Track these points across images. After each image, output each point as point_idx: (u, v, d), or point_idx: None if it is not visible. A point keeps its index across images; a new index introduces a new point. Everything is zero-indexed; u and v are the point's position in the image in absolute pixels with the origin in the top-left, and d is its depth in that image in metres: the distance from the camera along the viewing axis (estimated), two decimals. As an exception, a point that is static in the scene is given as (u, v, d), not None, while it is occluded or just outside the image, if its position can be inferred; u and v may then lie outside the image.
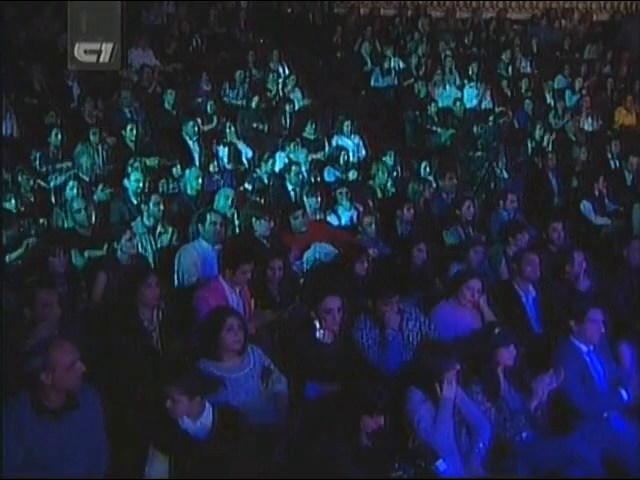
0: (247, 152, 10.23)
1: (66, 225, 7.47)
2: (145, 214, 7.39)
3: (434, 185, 9.44)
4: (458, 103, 12.08)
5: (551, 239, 7.35)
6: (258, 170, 9.64)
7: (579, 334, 5.25)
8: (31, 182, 8.23)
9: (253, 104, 11.15)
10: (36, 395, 3.81)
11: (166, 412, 4.11)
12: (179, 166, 9.17)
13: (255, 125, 10.90)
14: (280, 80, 11.96)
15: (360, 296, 5.87)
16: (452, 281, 6.04)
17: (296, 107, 11.36)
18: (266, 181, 9.44)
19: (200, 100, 11.01)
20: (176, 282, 6.61)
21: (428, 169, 9.89)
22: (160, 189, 8.74)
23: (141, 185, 8.18)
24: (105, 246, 6.63)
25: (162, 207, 7.38)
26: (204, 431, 4.14)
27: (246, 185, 9.34)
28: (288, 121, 11.02)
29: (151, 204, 7.37)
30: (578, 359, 5.20)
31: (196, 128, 9.86)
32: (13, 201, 7.72)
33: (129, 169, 8.57)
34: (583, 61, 13.91)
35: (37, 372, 3.76)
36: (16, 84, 9.97)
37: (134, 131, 9.64)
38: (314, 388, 4.99)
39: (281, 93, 11.70)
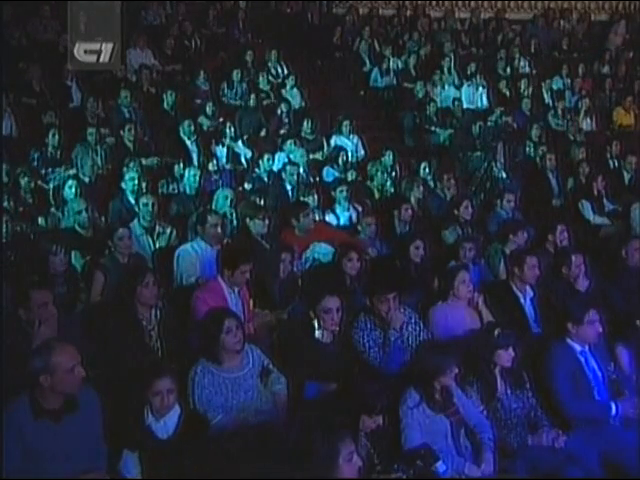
0: (246, 152, 10.23)
1: (65, 225, 7.47)
2: (139, 214, 7.40)
3: (431, 185, 9.45)
4: (457, 103, 12.08)
5: (557, 241, 7.33)
6: (257, 170, 9.64)
7: (575, 334, 5.24)
8: (31, 183, 8.23)
9: (251, 104, 11.16)
10: (35, 397, 3.79)
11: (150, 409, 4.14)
12: (181, 165, 9.17)
13: (254, 125, 10.91)
14: (279, 80, 11.97)
15: (359, 295, 5.88)
16: (445, 278, 6.02)
17: (295, 107, 11.37)
18: (266, 180, 9.44)
19: (198, 100, 11.01)
20: (175, 282, 6.60)
21: (427, 169, 9.90)
22: (160, 189, 8.74)
23: (137, 184, 8.17)
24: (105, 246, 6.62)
25: (155, 207, 7.34)
26: (166, 432, 4.16)
27: (245, 185, 9.34)
28: (287, 121, 11.03)
29: (141, 204, 7.38)
30: (570, 358, 5.18)
31: (193, 128, 9.85)
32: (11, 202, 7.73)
33: (125, 169, 8.57)
34: (581, 61, 13.91)
35: (37, 374, 3.74)
36: (15, 84, 9.97)
37: (132, 131, 9.64)
38: (313, 388, 4.99)
39: (280, 93, 11.70)
